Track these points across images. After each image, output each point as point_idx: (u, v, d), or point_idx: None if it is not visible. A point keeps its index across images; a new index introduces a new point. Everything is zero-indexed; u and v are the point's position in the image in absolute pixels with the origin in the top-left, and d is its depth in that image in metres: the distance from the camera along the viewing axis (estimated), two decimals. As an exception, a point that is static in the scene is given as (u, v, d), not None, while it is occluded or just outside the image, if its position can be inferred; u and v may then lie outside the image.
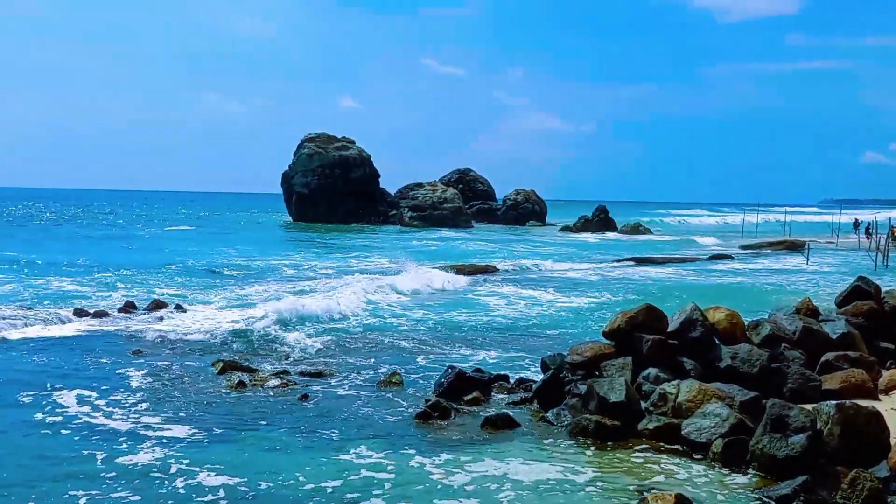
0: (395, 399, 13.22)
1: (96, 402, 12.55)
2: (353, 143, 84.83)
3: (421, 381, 14.39)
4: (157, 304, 22.74)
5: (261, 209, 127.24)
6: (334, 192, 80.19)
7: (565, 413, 11.94)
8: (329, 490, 9.15)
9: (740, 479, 9.63)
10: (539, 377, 13.62)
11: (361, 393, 13.59)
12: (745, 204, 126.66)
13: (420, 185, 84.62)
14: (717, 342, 12.65)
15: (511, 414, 12.04)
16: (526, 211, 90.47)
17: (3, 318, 19.49)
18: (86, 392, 13.13)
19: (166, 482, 9.28)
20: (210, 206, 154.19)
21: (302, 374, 14.78)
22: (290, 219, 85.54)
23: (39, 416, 11.81)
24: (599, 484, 9.49)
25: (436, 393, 13.06)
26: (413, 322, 21.23)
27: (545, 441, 11.14)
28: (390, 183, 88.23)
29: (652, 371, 12.09)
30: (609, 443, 10.93)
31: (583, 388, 12.06)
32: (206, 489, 9.07)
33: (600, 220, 78.95)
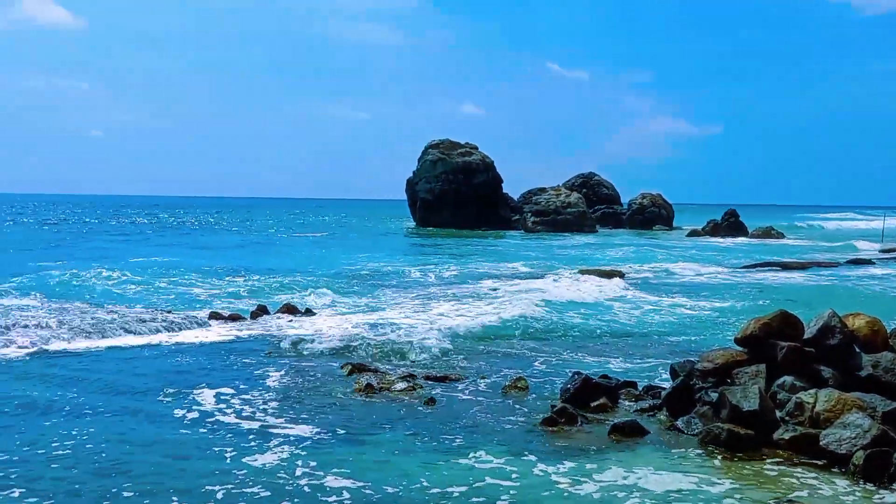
0: (520, 404, 13.13)
1: (231, 402, 12.95)
2: (476, 148, 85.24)
3: (546, 387, 14.25)
4: (288, 308, 23.35)
5: (386, 215, 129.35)
6: (458, 197, 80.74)
7: (696, 421, 11.60)
8: (454, 495, 9.13)
9: (886, 495, 9.14)
10: (667, 384, 13.30)
11: (486, 397, 13.57)
12: (889, 207, 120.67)
13: (543, 190, 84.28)
14: (857, 350, 12.07)
15: (639, 421, 11.80)
16: (652, 215, 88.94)
17: (144, 321, 20.47)
18: (221, 392, 13.58)
19: (292, 482, 9.45)
20: (337, 212, 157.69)
21: (428, 377, 14.87)
22: (414, 224, 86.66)
23: (179, 413, 12.29)
24: (736, 496, 9.15)
25: (562, 398, 12.91)
26: (539, 326, 21.07)
27: (675, 450, 10.84)
28: (513, 188, 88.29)
29: (787, 379, 11.62)
30: (741, 453, 10.56)
31: (714, 395, 11.69)
32: (330, 490, 9.18)
33: (730, 224, 76.78)
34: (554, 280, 31.96)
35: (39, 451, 10.30)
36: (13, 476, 9.39)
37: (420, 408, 12.84)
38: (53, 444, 10.57)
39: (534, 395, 13.64)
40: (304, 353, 17.24)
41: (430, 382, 14.53)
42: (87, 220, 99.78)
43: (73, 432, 11.09)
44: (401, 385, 14.08)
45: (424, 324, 20.73)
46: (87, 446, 10.55)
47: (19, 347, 17.13)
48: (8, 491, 8.97)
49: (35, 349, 17.04)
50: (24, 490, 8.98)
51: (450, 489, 9.28)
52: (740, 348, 12.57)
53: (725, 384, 11.89)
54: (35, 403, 12.65)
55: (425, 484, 9.43)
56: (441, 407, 12.91)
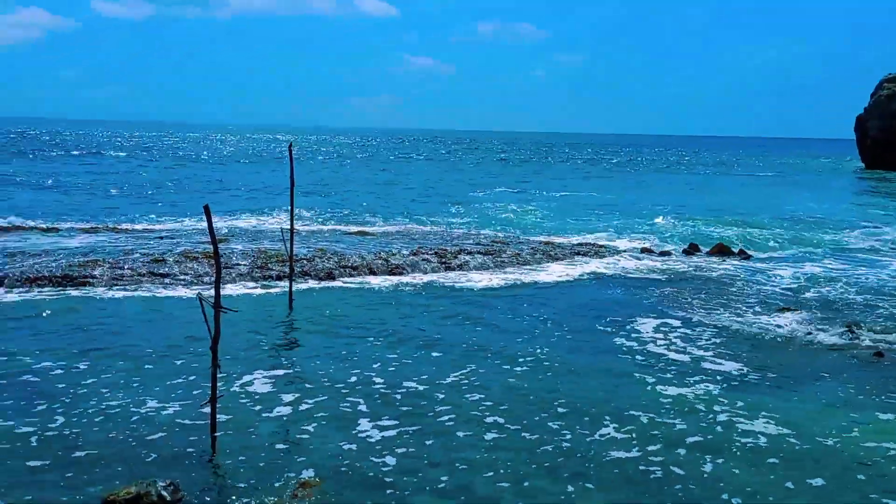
0: None
1: (668, 335, 13.20)
2: (944, 80, 75.68)
3: None
4: (721, 249, 22.91)
5: (829, 156, 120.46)
6: (918, 136, 72.59)
7: None
8: (891, 453, 8.37)
9: None
10: None
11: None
12: None
13: None
14: None
15: None
16: None
17: (579, 253, 21.49)
18: (657, 324, 13.95)
19: (710, 417, 9.37)
20: (774, 152, 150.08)
21: (874, 330, 13.71)
22: (862, 166, 79.72)
23: (618, 341, 12.79)
24: None
25: None
26: None
27: None
28: None
29: None
30: None
31: None
32: (746, 432, 8.92)
33: None
34: None
35: (505, 367, 11.30)
36: (475, 384, 10.45)
37: (863, 360, 11.93)
38: (518, 358, 11.56)
39: None
40: (739, 293, 16.85)
41: (877, 336, 13.39)
42: (520, 156, 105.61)
43: (530, 350, 12.02)
44: (844, 335, 13.18)
45: (877, 277, 19.23)
46: (544, 363, 11.37)
47: (458, 272, 18.88)
48: (481, 405, 10.03)
49: (477, 275, 18.66)
50: (485, 403, 9.97)
51: (887, 445, 8.56)
52: None
53: None
54: (497, 326, 13.89)
55: (857, 437, 8.79)
56: (889, 362, 11.87)
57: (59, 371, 10.36)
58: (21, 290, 15.22)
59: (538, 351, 12.01)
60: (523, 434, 8.68)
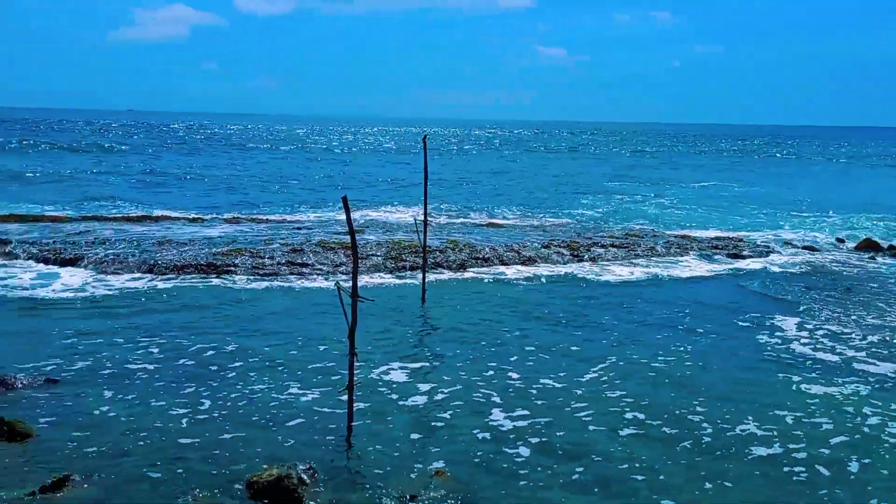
0: None
1: (813, 333, 12.73)
2: None
3: None
4: (869, 244, 21.89)
5: None
6: None
7: None
8: None
9: None
10: None
11: None
12: None
13: None
14: None
15: None
16: None
17: (717, 247, 20.90)
18: (801, 321, 13.46)
19: (857, 419, 8.99)
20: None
21: None
22: None
23: (760, 338, 12.39)
24: None
25: None
26: None
27: None
28: None
29: None
30: None
31: None
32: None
33: None
34: None
35: (643, 361, 11.19)
36: (615, 380, 10.36)
37: None
38: (657, 353, 11.39)
39: None
40: (889, 291, 16.11)
41: None
42: (655, 147, 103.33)
43: (670, 346, 11.82)
44: None
45: None
46: (685, 359, 11.12)
47: (591, 264, 18.64)
48: (619, 401, 9.95)
49: (611, 268, 18.40)
50: (621, 395, 9.84)
51: None
52: None
53: None
54: (635, 320, 13.71)
55: None
56: None
57: (209, 355, 10.82)
58: (170, 276, 15.96)
59: (678, 346, 11.76)
60: (663, 429, 8.52)
